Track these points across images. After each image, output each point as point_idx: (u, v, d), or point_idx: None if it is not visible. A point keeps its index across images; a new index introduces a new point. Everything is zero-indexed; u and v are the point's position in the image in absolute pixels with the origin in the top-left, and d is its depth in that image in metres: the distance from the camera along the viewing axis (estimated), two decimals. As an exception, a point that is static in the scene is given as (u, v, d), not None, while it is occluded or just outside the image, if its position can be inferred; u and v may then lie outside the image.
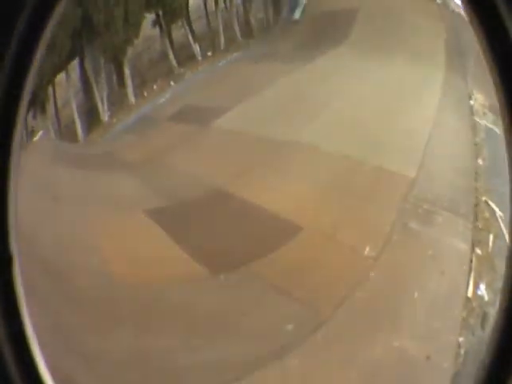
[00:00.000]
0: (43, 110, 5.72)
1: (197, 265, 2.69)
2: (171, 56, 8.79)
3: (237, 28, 9.22)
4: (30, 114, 6.46)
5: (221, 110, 3.77)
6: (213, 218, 2.88)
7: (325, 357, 2.33)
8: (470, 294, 2.34)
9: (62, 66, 6.41)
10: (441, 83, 2.94)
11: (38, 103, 5.80)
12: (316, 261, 2.61)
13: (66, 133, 5.81)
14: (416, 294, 2.32)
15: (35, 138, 5.45)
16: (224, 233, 2.78)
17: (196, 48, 8.87)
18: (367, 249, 2.52)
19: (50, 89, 5.38)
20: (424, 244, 2.51)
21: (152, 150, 3.84)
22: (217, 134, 3.56)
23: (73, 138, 6.93)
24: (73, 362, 2.41)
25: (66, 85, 8.44)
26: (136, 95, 8.13)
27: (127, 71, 8.89)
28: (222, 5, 9.83)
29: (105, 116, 8.41)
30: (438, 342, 2.26)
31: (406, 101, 2.94)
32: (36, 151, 4.67)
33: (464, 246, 2.42)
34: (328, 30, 3.74)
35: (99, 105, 8.94)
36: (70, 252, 2.84)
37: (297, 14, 5.12)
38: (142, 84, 8.27)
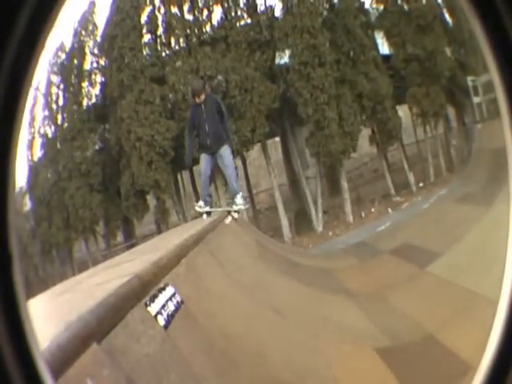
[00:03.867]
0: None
1: None
2: (389, 181, 9.37)
3: (442, 158, 9.69)
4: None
5: (434, 254, 3.95)
6: (425, 366, 2.96)
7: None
8: None
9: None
10: None
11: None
12: None
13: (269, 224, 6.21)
14: None
15: (227, 221, 5.77)
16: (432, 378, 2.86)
17: (410, 177, 9.45)
18: None
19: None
20: None
21: (375, 282, 4.04)
22: (430, 278, 3.74)
23: (278, 236, 7.35)
24: None
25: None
26: (353, 213, 8.68)
27: (344, 184, 9.54)
28: (429, 132, 10.36)
29: (319, 226, 9.09)
30: None
31: None
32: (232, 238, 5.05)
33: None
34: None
35: (313, 212, 9.60)
36: (301, 379, 2.92)
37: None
38: (358, 202, 8.74)
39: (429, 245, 4.17)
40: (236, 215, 6.44)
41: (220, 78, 10.72)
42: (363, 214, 7.86)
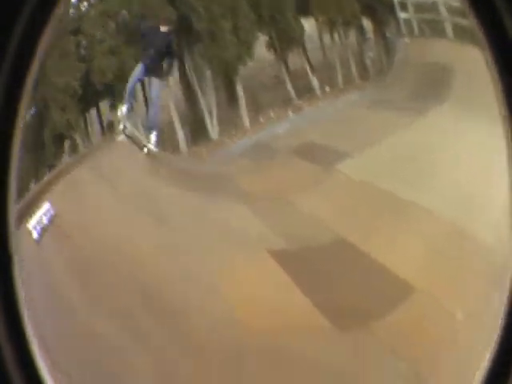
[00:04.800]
0: (131, 108, 5.85)
1: (321, 317, 2.61)
2: (289, 85, 8.88)
3: (353, 67, 9.29)
4: (107, 104, 6.64)
5: (342, 153, 3.74)
6: (336, 268, 2.84)
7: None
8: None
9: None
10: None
11: (118, 96, 5.94)
12: (421, 323, 2.55)
13: (166, 140, 5.96)
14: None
15: (119, 138, 5.60)
16: (347, 286, 2.74)
17: (314, 81, 8.94)
18: (459, 314, 2.49)
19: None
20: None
21: (274, 184, 3.76)
22: (341, 179, 3.52)
23: (174, 148, 7.09)
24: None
25: (167, 90, 8.62)
26: (251, 119, 8.23)
27: (240, 91, 8.97)
28: (337, 40, 9.93)
29: (214, 133, 8.52)
30: None
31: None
32: (126, 153, 5.01)
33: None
34: (433, 84, 3.79)
35: (207, 120, 9.05)
36: (183, 287, 2.81)
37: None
38: (256, 108, 8.35)
39: (337, 145, 3.94)
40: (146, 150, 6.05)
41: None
42: (262, 119, 7.62)
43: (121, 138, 6.08)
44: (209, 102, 9.36)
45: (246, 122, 8.01)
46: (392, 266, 2.74)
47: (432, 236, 2.85)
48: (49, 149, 8.12)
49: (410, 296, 2.64)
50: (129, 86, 6.04)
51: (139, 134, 6.83)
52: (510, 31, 0.84)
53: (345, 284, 2.77)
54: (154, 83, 6.23)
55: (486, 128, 2.73)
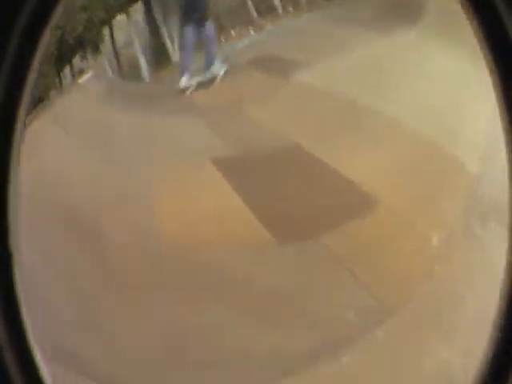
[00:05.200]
0: (96, 50, 5.79)
1: (263, 229, 2.46)
2: (250, 4, 8.77)
3: (317, -14, 9.15)
4: (78, 57, 6.54)
5: (302, 64, 3.63)
6: (286, 177, 2.70)
7: (384, 357, 2.13)
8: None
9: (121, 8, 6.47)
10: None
11: (89, 44, 5.83)
12: (386, 243, 2.39)
13: (129, 73, 5.86)
14: (470, 304, 2.12)
15: (82, 79, 5.55)
16: (296, 195, 2.58)
17: (276, 1, 8.80)
18: (435, 239, 2.32)
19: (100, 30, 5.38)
20: (482, 249, 2.32)
21: (229, 96, 3.73)
22: (297, 89, 3.37)
23: (136, 77, 7.11)
24: (88, 339, 2.20)
25: (127, 26, 8.54)
26: None
27: (201, 13, 8.89)
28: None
29: (175, 55, 8.41)
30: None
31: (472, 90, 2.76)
32: (85, 92, 4.70)
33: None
34: (403, 7, 3.52)
35: (168, 44, 8.96)
36: (116, 208, 2.66)
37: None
38: (219, 29, 8.31)
39: (296, 57, 3.81)
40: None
41: None
42: (223, 39, 7.63)
43: (81, 80, 6.10)
44: (170, 29, 9.28)
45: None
46: (352, 176, 2.61)
47: (401, 150, 2.71)
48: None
49: (372, 210, 2.51)
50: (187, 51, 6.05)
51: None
52: (510, 31, 0.83)
53: (294, 193, 2.60)
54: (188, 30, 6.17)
55: (458, 53, 2.58)
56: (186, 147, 3.05)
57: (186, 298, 2.28)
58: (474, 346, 1.93)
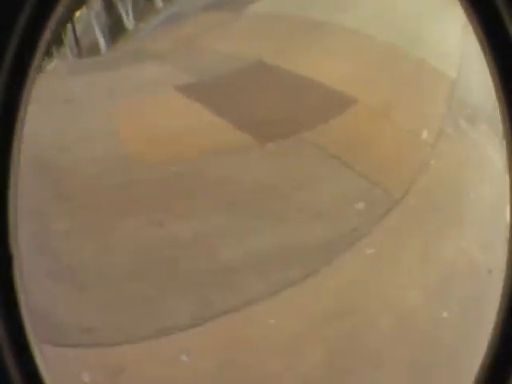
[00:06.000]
0: (60, 44, 5.79)
1: (240, 133, 2.41)
2: None
3: None
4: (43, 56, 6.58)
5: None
6: (258, 89, 2.63)
7: (401, 247, 2.07)
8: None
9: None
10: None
11: (54, 41, 5.76)
12: (373, 137, 2.39)
13: (89, 53, 5.83)
14: (472, 195, 2.08)
15: (48, 67, 5.51)
16: (272, 103, 2.52)
17: None
18: (425, 133, 2.32)
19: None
20: (472, 145, 2.29)
21: (183, 37, 3.64)
22: (252, 17, 3.26)
23: (96, 54, 7.10)
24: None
25: (86, 13, 8.48)
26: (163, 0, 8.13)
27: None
28: None
29: (130, 24, 8.40)
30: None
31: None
32: (50, 76, 4.68)
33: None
34: None
35: (123, 16, 8.95)
36: (83, 142, 2.62)
37: None
38: None
39: None
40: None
41: None
42: None
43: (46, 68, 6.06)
44: (126, 3, 9.30)
45: (159, 3, 7.96)
46: (324, 80, 2.55)
47: (366, 56, 2.68)
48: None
49: (351, 108, 2.47)
50: None
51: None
52: (510, 31, 0.84)
53: (267, 100, 2.55)
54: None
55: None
56: (148, 84, 3.01)
57: (173, 206, 2.22)
58: (487, 235, 1.91)
